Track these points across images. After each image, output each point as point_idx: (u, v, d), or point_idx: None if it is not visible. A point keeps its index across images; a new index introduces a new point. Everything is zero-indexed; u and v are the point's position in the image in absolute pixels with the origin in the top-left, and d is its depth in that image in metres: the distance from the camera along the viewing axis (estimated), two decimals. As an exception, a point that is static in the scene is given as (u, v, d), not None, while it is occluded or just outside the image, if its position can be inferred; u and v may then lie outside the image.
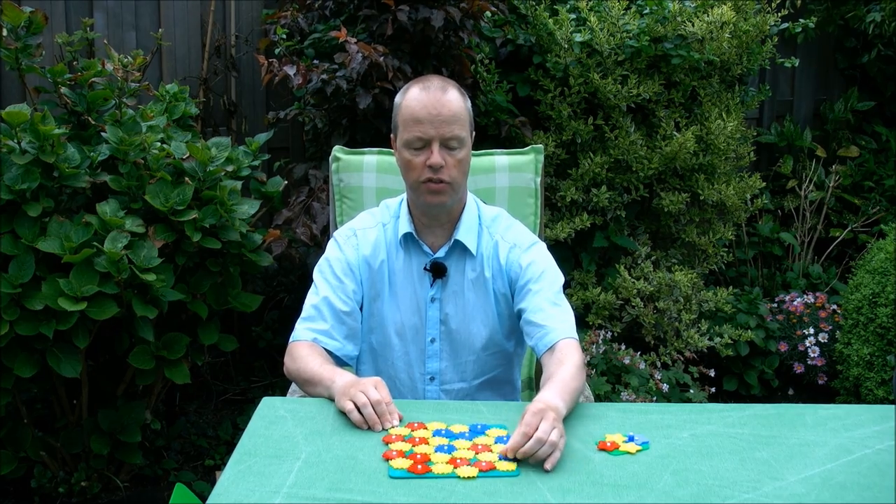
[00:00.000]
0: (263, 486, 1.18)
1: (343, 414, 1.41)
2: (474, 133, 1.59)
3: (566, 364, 1.42)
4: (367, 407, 1.37)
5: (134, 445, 2.44)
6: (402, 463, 1.26)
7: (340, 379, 1.46)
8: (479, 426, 1.39)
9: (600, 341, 2.90)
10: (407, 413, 1.44)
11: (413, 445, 1.33)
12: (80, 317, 2.09)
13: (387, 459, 1.28)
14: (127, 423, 2.41)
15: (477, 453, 1.30)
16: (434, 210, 1.56)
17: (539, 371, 1.87)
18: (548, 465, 1.21)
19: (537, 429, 1.25)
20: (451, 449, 1.32)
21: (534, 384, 1.96)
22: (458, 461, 1.26)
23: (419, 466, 1.24)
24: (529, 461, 1.24)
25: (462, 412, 1.45)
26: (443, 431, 1.37)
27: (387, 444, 1.35)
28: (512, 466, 1.25)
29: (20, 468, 2.35)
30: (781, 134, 3.80)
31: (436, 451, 1.31)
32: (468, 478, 1.22)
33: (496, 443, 1.33)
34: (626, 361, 2.82)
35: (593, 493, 1.18)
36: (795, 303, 3.28)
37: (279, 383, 3.00)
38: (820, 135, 3.85)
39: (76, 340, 2.13)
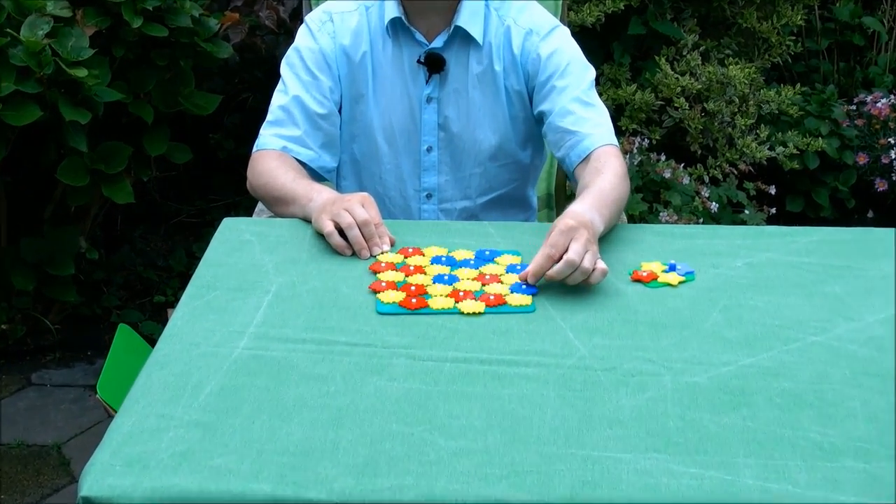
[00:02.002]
0: (225, 325, 1.19)
1: (322, 237, 1.43)
2: None
3: (605, 173, 1.44)
4: (353, 228, 1.39)
5: (66, 280, 2.44)
6: (393, 296, 1.28)
7: (319, 196, 1.47)
8: (486, 252, 1.40)
9: (635, 150, 2.91)
10: (399, 236, 1.46)
11: (406, 275, 1.35)
12: (-6, 123, 2.04)
13: (375, 292, 1.30)
14: (56, 254, 2.41)
15: (484, 285, 1.32)
16: None
17: (562, 186, 1.94)
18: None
19: (567, 250, 1.26)
20: (452, 280, 1.34)
21: (554, 202, 1.99)
22: (461, 294, 1.28)
23: (413, 300, 1.26)
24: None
25: (466, 235, 1.47)
26: (443, 259, 1.39)
27: (375, 273, 1.36)
28: (527, 300, 1.26)
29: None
30: None
31: (434, 282, 1.33)
32: (473, 314, 1.23)
33: (507, 272, 1.35)
34: (667, 175, 2.82)
35: (625, 333, 1.19)
36: (879, 104, 3.25)
37: (243, 202, 3.04)
38: None
39: (-11, 152, 2.10)
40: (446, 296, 1.29)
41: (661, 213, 2.86)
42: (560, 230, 1.28)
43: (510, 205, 1.78)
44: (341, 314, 1.22)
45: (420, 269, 1.37)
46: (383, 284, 1.32)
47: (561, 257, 1.26)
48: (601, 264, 1.26)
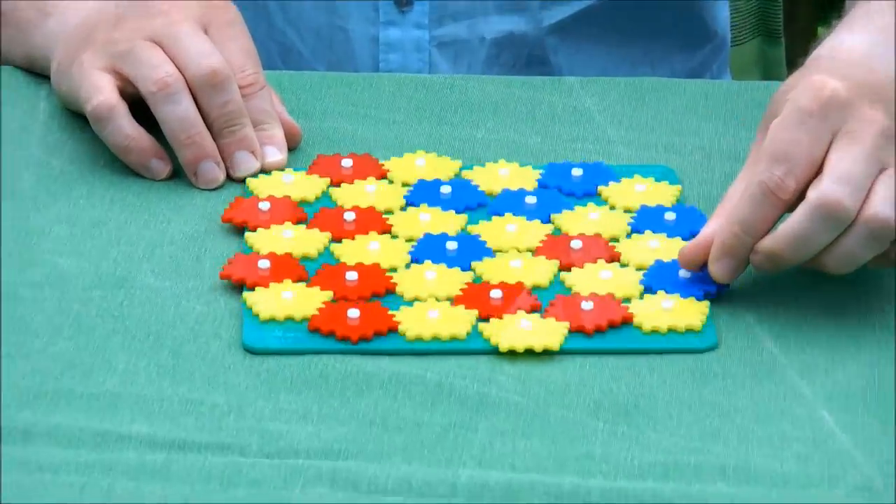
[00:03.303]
0: None
1: (85, 126, 1.02)
2: None
3: None
4: (177, 99, 0.99)
5: None
6: (290, 302, 0.84)
7: (72, 9, 1.06)
8: (572, 173, 0.96)
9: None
10: (318, 118, 1.06)
11: (333, 237, 0.89)
12: None
13: (242, 287, 0.85)
14: None
15: (564, 268, 0.87)
16: None
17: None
18: None
19: (822, 179, 0.84)
20: (467, 253, 0.88)
21: (781, 20, 1.47)
22: (496, 298, 0.84)
23: (352, 316, 0.81)
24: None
25: (508, 112, 1.08)
26: (442, 192, 0.95)
27: (241, 232, 0.91)
28: (693, 317, 0.85)
29: None
30: None
31: (413, 262, 0.88)
32: (528, 354, 0.80)
33: (635, 232, 0.90)
34: None
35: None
36: None
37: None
38: None
39: None
40: (449, 301, 0.83)
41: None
42: (798, 114, 0.85)
43: (646, 31, 1.30)
44: (153, 353, 0.81)
45: (372, 220, 0.91)
46: (263, 267, 0.86)
47: (797, 203, 0.83)
48: None
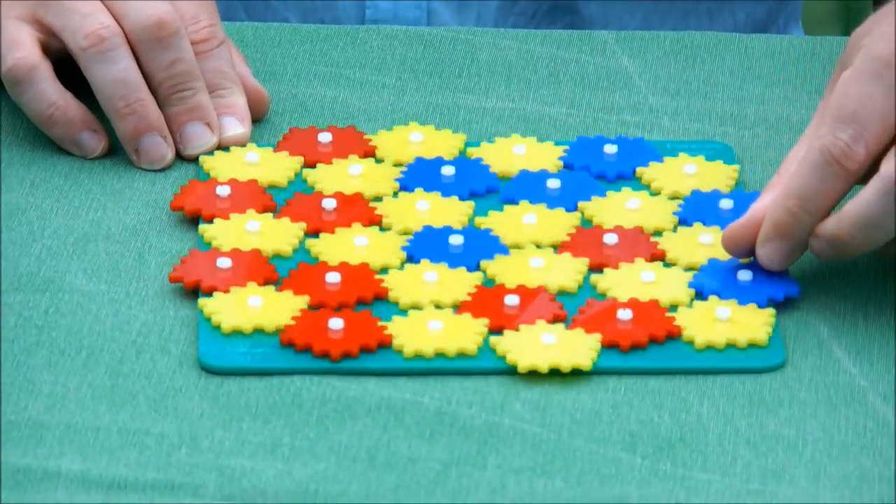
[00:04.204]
0: None
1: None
2: None
3: None
4: (116, 57, 1.01)
5: None
6: (256, 311, 0.86)
7: None
8: (605, 150, 0.99)
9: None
10: (287, 81, 1.09)
11: (308, 231, 0.93)
12: None
13: (195, 293, 0.87)
14: None
15: (595, 267, 0.90)
16: None
17: None
18: None
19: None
20: (474, 250, 0.91)
21: None
22: (510, 307, 0.88)
23: (334, 328, 0.84)
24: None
25: (515, 76, 1.11)
26: (444, 175, 0.99)
27: (195, 222, 0.95)
28: (754, 327, 0.88)
29: None
30: None
31: (410, 259, 0.91)
32: (552, 374, 0.83)
33: (682, 225, 0.94)
34: None
35: None
36: None
37: None
38: None
39: None
40: (453, 309, 0.86)
41: None
42: (872, 64, 0.89)
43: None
44: (86, 372, 0.81)
45: (357, 209, 0.95)
46: (223, 267, 0.89)
47: (869, 175, 0.86)
48: None
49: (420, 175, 0.94)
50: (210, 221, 0.90)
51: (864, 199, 0.83)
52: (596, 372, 0.79)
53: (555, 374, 0.79)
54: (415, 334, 0.80)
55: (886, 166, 0.83)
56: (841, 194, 0.86)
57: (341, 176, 0.94)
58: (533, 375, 0.79)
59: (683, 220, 0.90)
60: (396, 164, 0.95)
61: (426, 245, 0.88)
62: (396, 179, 0.94)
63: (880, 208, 0.84)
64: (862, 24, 0.92)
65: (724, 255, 0.88)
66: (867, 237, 0.85)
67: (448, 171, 0.93)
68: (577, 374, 0.79)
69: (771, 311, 0.83)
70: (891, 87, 0.86)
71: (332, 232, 0.89)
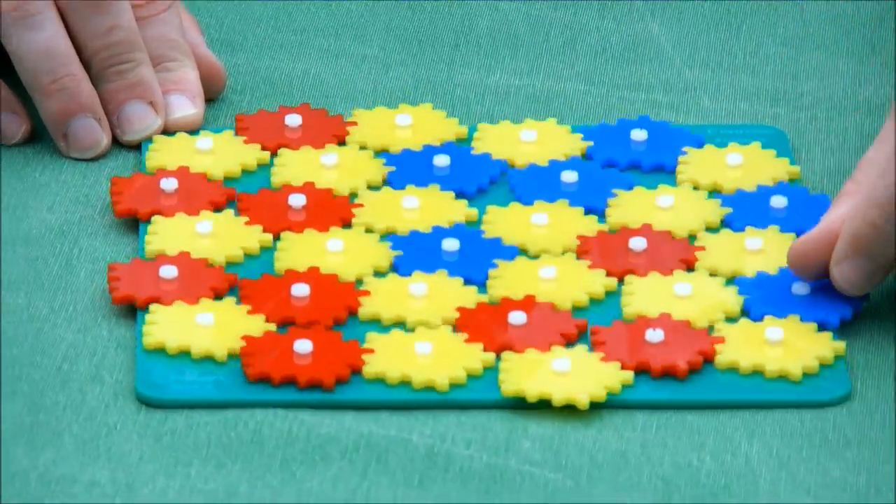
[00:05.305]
0: None
1: None
2: None
3: None
4: (40, 22, 1.02)
5: None
6: (214, 339, 0.85)
7: None
8: (634, 138, 0.99)
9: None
10: (269, 51, 1.10)
11: (277, 234, 0.93)
12: None
13: (130, 306, 0.87)
14: None
15: (625, 275, 0.91)
16: None
17: None
18: None
19: None
20: (475, 256, 0.93)
21: None
22: (517, 327, 0.87)
23: (302, 351, 0.84)
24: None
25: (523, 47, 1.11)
26: (438, 165, 1.00)
27: (132, 216, 0.96)
28: (817, 356, 0.86)
29: None
30: None
31: (395, 271, 0.92)
32: (565, 410, 0.83)
33: (730, 227, 0.95)
34: None
35: None
36: None
37: None
38: None
39: None
40: (448, 328, 0.85)
41: None
42: None
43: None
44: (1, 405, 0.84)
45: (331, 206, 0.95)
46: (167, 277, 0.89)
47: None
48: None
49: (408, 166, 0.95)
50: (147, 220, 0.90)
51: None
52: (621, 405, 0.80)
53: (570, 408, 0.79)
54: (400, 359, 0.81)
55: None
56: None
57: (312, 166, 0.96)
58: (543, 408, 0.80)
59: (728, 222, 0.89)
60: (379, 153, 0.95)
61: (414, 250, 0.90)
62: (379, 171, 0.93)
63: None
64: None
65: (775, 264, 0.88)
66: None
67: (441, 160, 0.93)
68: (597, 407, 0.80)
69: (832, 332, 0.83)
70: None
71: (301, 233, 0.89)
